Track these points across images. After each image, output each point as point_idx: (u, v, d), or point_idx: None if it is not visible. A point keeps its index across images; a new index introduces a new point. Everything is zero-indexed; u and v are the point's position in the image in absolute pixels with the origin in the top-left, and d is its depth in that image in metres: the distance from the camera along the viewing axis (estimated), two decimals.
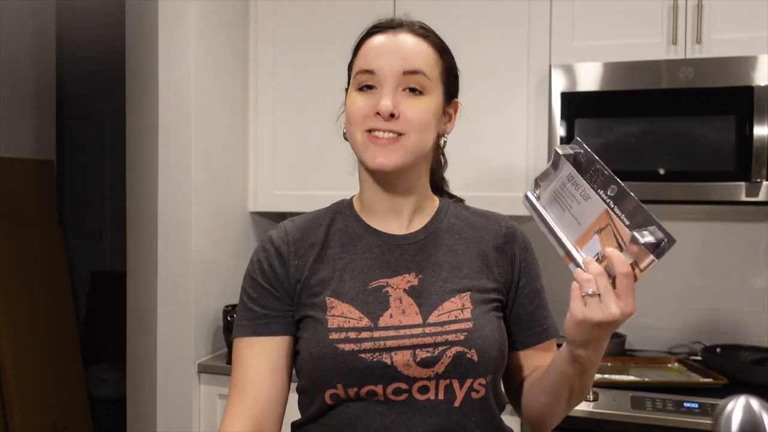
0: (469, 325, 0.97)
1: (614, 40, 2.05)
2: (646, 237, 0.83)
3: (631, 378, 1.94)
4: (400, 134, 0.97)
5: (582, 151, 0.93)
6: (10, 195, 3.20)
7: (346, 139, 1.04)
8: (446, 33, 2.24)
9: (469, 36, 2.21)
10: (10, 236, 3.14)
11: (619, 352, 2.21)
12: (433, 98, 1.00)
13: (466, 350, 0.95)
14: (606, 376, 1.96)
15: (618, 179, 0.89)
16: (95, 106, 4.99)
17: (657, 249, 0.84)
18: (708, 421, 1.65)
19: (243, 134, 2.43)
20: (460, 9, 2.21)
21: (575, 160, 0.93)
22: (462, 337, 0.96)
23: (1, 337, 2.98)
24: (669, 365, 2.11)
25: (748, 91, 1.87)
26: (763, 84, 1.86)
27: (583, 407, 1.76)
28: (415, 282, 1.00)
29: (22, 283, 3.15)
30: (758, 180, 1.85)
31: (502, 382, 1.09)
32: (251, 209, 2.47)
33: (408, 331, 0.96)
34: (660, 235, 0.85)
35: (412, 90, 0.98)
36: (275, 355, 1.02)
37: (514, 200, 2.19)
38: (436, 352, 0.95)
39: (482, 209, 1.14)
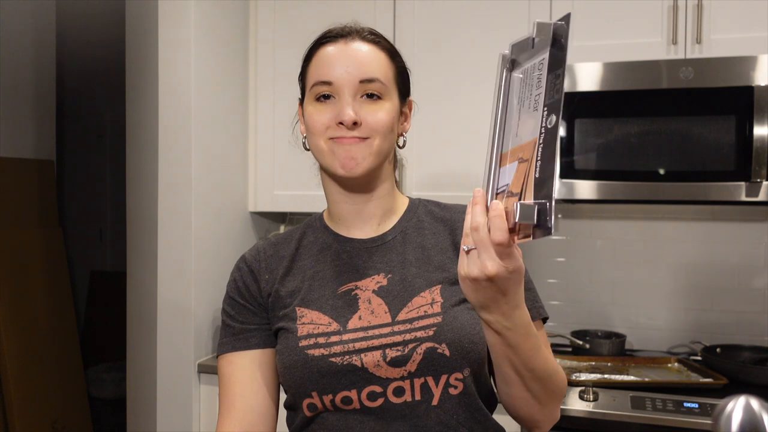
0: (438, 319, 0.95)
1: (614, 40, 2.05)
2: (528, 215, 0.70)
3: (631, 378, 1.94)
4: (363, 139, 0.97)
5: (563, 37, 0.76)
6: (10, 195, 3.20)
7: (306, 149, 1.05)
8: (446, 33, 2.25)
9: (469, 36, 2.21)
10: (10, 236, 3.14)
11: (619, 352, 2.21)
12: (391, 101, 1.01)
13: (436, 345, 0.94)
14: (606, 376, 1.96)
15: (561, 109, 0.72)
16: (95, 106, 4.99)
17: (535, 229, 0.71)
18: (708, 421, 1.65)
19: (243, 134, 2.43)
20: (459, 9, 2.21)
21: (554, 44, 0.75)
22: (431, 333, 0.94)
23: (1, 337, 2.98)
24: (669, 365, 2.11)
25: (748, 91, 1.87)
26: (763, 84, 1.86)
27: (583, 407, 1.76)
28: (384, 282, 1.00)
29: (22, 283, 3.15)
30: (758, 180, 1.85)
31: (491, 378, 1.04)
32: (251, 209, 2.47)
33: (377, 331, 0.95)
34: (544, 218, 0.71)
35: (370, 96, 0.98)
36: (258, 368, 1.02)
37: None
38: (406, 350, 0.93)
39: (453, 204, 1.12)
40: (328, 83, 0.98)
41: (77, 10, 3.74)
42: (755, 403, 0.77)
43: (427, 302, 0.97)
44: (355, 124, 0.96)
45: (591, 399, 1.78)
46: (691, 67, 1.92)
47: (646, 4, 2.03)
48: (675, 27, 1.99)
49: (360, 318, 0.97)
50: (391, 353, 0.93)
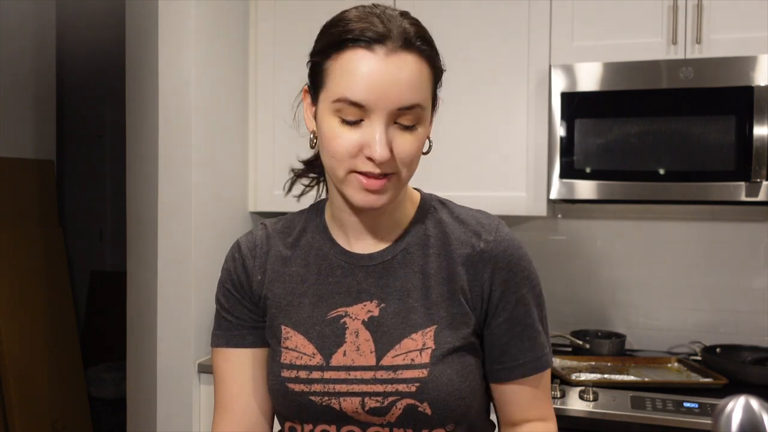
0: (423, 373, 0.87)
1: (614, 40, 2.05)
2: None
3: (631, 378, 1.94)
4: (391, 173, 0.85)
5: None
6: (10, 195, 3.20)
7: (311, 147, 0.93)
8: (446, 33, 2.25)
9: (469, 36, 2.21)
10: (10, 236, 3.14)
11: (619, 352, 2.21)
12: (425, 124, 0.88)
13: (417, 403, 0.87)
14: (606, 376, 1.96)
15: None
16: (95, 106, 4.99)
17: None
18: (708, 421, 1.65)
19: (243, 134, 2.43)
20: (459, 9, 2.21)
21: None
22: (413, 389, 0.87)
23: (1, 337, 2.98)
24: (669, 365, 2.11)
25: (748, 91, 1.87)
26: (763, 84, 1.86)
27: (583, 407, 1.76)
28: (376, 312, 0.91)
29: (22, 283, 3.15)
30: (758, 180, 1.85)
31: (485, 411, 1.01)
32: (251, 209, 2.47)
33: (359, 374, 0.89)
34: None
35: (406, 126, 0.84)
36: (255, 367, 0.98)
37: (513, 200, 2.19)
38: (385, 403, 0.88)
39: (470, 213, 0.98)
40: (358, 106, 0.81)
41: (77, 10, 3.75)
42: (755, 403, 0.77)
43: (418, 347, 0.89)
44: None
45: (591, 399, 1.78)
46: (691, 67, 1.92)
47: (646, 4, 2.03)
48: (675, 27, 1.99)
49: (344, 354, 0.90)
50: (371, 402, 0.88)
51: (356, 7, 0.87)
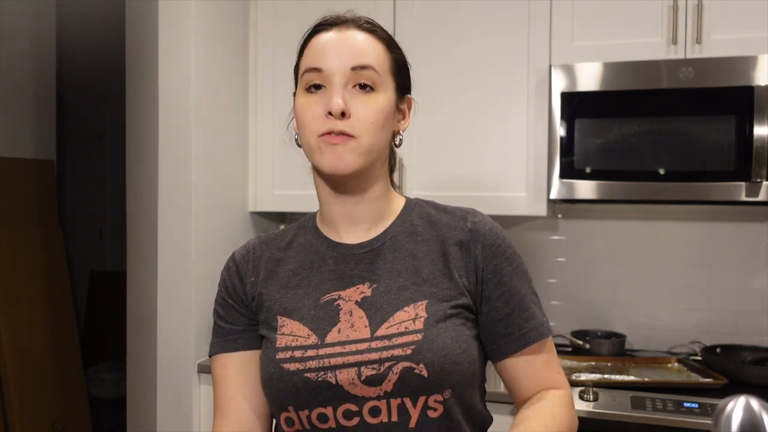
0: (418, 337, 0.89)
1: (614, 40, 2.05)
2: None
3: (631, 378, 1.94)
4: (351, 136, 0.91)
5: None
6: (10, 195, 3.20)
7: (299, 145, 0.99)
8: (446, 33, 2.25)
9: (469, 36, 2.21)
10: (10, 236, 3.14)
11: (619, 352, 2.21)
12: (386, 94, 0.94)
13: (413, 365, 0.88)
14: (606, 376, 1.96)
15: None
16: (95, 106, 4.98)
17: None
18: (708, 421, 1.65)
19: (243, 134, 2.43)
20: (460, 9, 2.21)
21: None
22: (409, 351, 0.88)
23: (1, 337, 2.98)
24: (669, 365, 2.11)
25: (748, 91, 1.87)
26: (763, 84, 1.86)
27: (583, 407, 1.76)
28: (368, 292, 0.94)
29: (22, 283, 3.15)
30: (758, 180, 1.85)
31: (482, 396, 1.00)
32: (251, 209, 2.47)
33: (354, 347, 0.90)
34: None
35: (363, 87, 0.92)
36: (249, 369, 1.00)
37: (513, 200, 2.19)
38: (381, 369, 0.88)
39: (452, 206, 1.05)
40: (318, 70, 0.93)
41: (77, 10, 3.75)
42: (755, 403, 0.77)
43: (410, 317, 0.91)
44: (343, 114, 0.90)
45: (591, 399, 1.78)
46: (691, 67, 1.92)
47: (646, 4, 2.03)
48: (675, 27, 1.99)
49: (339, 331, 0.92)
50: (366, 371, 0.88)
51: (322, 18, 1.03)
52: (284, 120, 2.66)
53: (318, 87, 0.93)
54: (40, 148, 3.43)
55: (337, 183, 0.97)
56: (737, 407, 0.76)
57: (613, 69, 1.99)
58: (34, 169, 3.36)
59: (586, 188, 2.01)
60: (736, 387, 1.86)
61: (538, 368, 0.97)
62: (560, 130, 2.03)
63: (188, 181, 2.17)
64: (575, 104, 2.02)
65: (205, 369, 2.18)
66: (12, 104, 3.23)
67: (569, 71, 2.03)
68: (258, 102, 2.43)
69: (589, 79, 2.01)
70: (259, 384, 0.98)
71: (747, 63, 1.88)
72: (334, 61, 0.92)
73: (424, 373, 0.88)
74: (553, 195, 2.05)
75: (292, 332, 0.94)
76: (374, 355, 0.89)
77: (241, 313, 1.02)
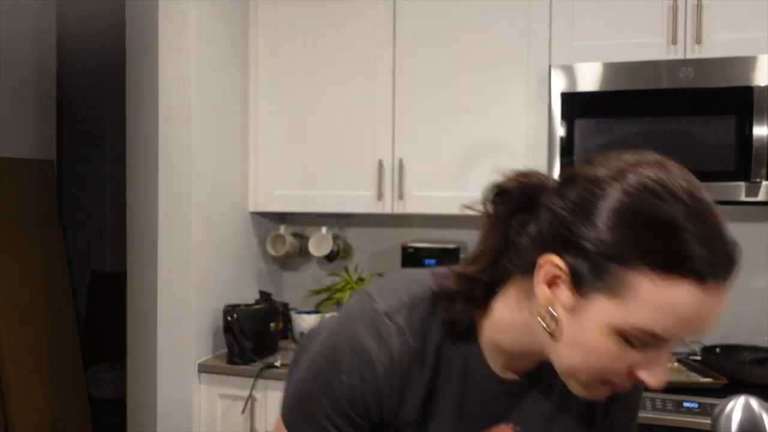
0: None
1: (614, 40, 2.05)
2: None
3: None
4: None
5: None
6: (10, 195, 3.20)
7: (546, 320, 0.71)
8: (446, 33, 2.25)
9: (469, 36, 2.21)
10: (10, 236, 3.14)
11: None
12: None
13: None
14: None
15: None
16: (95, 106, 4.98)
17: None
18: (708, 420, 1.65)
19: (243, 134, 2.43)
20: (460, 9, 2.21)
21: None
22: None
23: (1, 337, 2.98)
24: (669, 365, 2.11)
25: (748, 91, 1.87)
26: (762, 84, 1.86)
27: None
28: None
29: (22, 283, 3.15)
30: (758, 180, 1.85)
31: None
32: (251, 209, 2.47)
33: None
34: None
35: None
36: None
37: None
38: None
39: None
40: (664, 341, 0.66)
41: (77, 10, 3.75)
42: (755, 403, 0.77)
43: None
44: None
45: None
46: (691, 67, 1.92)
47: (646, 4, 2.03)
48: (675, 27, 1.99)
49: None
50: None
51: (693, 210, 0.67)
52: (284, 120, 2.65)
53: (638, 345, 0.67)
54: (40, 148, 3.43)
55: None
56: (737, 407, 0.76)
57: (613, 69, 1.99)
58: (34, 169, 3.36)
59: None
60: (735, 387, 1.86)
61: None
62: (560, 131, 2.03)
63: (188, 181, 2.17)
64: (575, 104, 2.02)
65: (204, 369, 2.18)
66: (12, 104, 3.23)
67: (569, 71, 2.03)
68: (258, 102, 2.43)
69: (589, 79, 2.01)
70: None
71: (747, 63, 1.88)
72: (690, 337, 0.67)
73: None
74: None
75: None
76: None
77: (358, 427, 0.81)
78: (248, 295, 2.45)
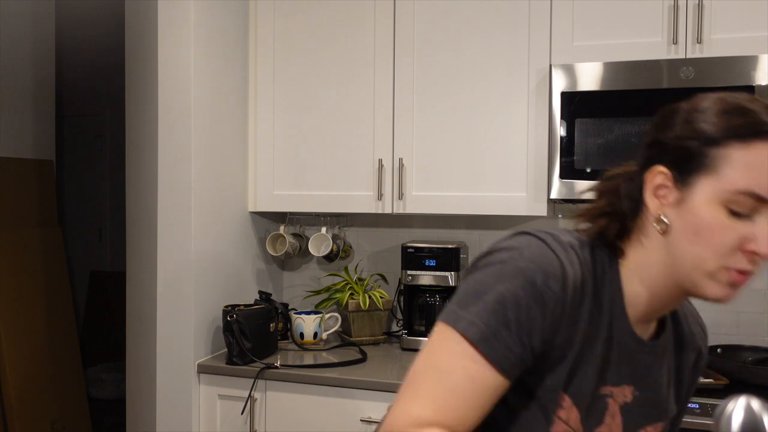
0: None
1: (614, 40, 2.05)
2: None
3: None
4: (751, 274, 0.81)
5: None
6: (9, 195, 3.20)
7: (659, 224, 0.82)
8: (446, 34, 2.25)
9: (470, 36, 2.21)
10: (10, 236, 3.14)
11: None
12: None
13: None
14: None
15: None
16: (95, 106, 4.98)
17: None
18: (709, 421, 1.65)
19: (243, 134, 2.43)
20: (460, 9, 2.21)
21: None
22: None
23: (1, 337, 2.98)
24: None
25: (749, 90, 1.87)
26: (763, 84, 1.86)
27: None
28: (630, 398, 0.89)
29: (22, 283, 3.14)
30: None
31: None
32: (251, 209, 2.47)
33: None
34: None
35: None
36: (497, 395, 0.81)
37: (514, 200, 2.19)
38: None
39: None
40: (763, 203, 0.77)
41: (77, 10, 3.75)
42: (755, 403, 0.77)
43: None
44: None
45: None
46: (692, 67, 1.92)
47: (647, 4, 2.03)
48: (675, 27, 1.99)
49: None
50: None
51: (749, 97, 0.84)
52: (284, 120, 2.65)
53: (743, 215, 0.78)
54: (40, 148, 3.42)
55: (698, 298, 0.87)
56: (738, 408, 0.76)
57: (613, 69, 1.99)
58: (33, 169, 3.36)
59: (586, 188, 2.01)
60: (736, 387, 1.86)
61: None
62: (560, 130, 2.03)
63: (188, 181, 2.17)
64: (575, 104, 2.01)
65: (204, 369, 2.17)
66: (12, 104, 3.23)
67: (569, 71, 2.03)
68: (258, 102, 2.43)
69: (590, 78, 2.01)
70: (487, 413, 0.82)
71: (747, 63, 1.88)
72: None
73: None
74: (554, 195, 2.04)
75: (568, 421, 0.85)
76: None
77: (534, 348, 0.81)
78: (248, 295, 2.44)
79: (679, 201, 0.81)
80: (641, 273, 0.86)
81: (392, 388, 1.93)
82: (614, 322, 0.86)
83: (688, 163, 0.80)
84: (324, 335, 2.47)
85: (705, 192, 0.79)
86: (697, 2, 1.97)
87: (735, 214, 0.77)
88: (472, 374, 0.79)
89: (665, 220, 0.82)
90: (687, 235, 0.80)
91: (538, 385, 0.84)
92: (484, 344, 0.78)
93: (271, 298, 2.36)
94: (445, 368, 0.80)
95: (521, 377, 0.82)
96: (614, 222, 0.87)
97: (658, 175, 0.82)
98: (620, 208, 0.88)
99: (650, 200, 0.83)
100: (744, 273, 0.79)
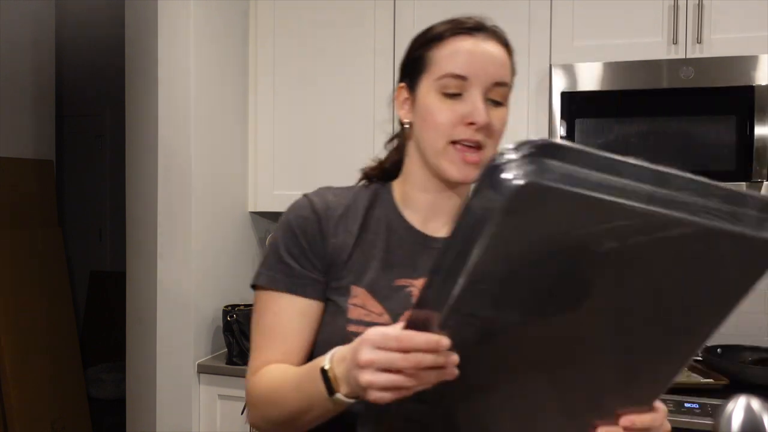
0: None
1: (614, 40, 2.05)
2: None
3: None
4: (480, 147, 0.94)
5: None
6: (9, 195, 3.20)
7: (401, 126, 1.02)
8: None
9: None
10: (10, 236, 3.14)
11: None
12: (507, 108, 0.99)
13: None
14: None
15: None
16: (95, 105, 4.98)
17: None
18: (708, 421, 1.65)
19: (243, 134, 2.43)
20: (460, 9, 2.21)
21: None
22: None
23: (1, 337, 2.98)
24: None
25: (749, 90, 1.87)
26: (763, 84, 1.86)
27: None
28: None
29: (22, 283, 3.14)
30: (758, 180, 1.85)
31: None
32: (251, 209, 2.47)
33: None
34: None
35: (494, 101, 0.96)
36: (308, 321, 0.96)
37: None
38: None
39: None
40: (462, 78, 0.93)
41: (77, 10, 3.75)
42: (756, 403, 0.77)
43: None
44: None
45: None
46: (692, 67, 1.92)
47: (647, 4, 2.03)
48: (675, 27, 1.99)
49: None
50: None
51: (443, 21, 1.02)
52: (284, 120, 2.65)
53: (455, 94, 0.94)
54: (40, 148, 3.42)
55: (450, 184, 0.99)
56: (738, 408, 0.76)
57: (613, 69, 1.99)
58: (33, 169, 3.36)
59: None
60: (736, 387, 1.86)
61: None
62: (560, 130, 2.03)
63: (188, 181, 2.17)
64: (575, 104, 2.01)
65: (204, 369, 2.17)
66: (11, 104, 3.23)
67: (569, 71, 2.03)
68: (258, 102, 2.43)
69: (590, 78, 2.01)
70: (311, 338, 0.97)
71: (747, 63, 1.88)
72: (479, 72, 0.94)
73: None
74: None
75: (364, 305, 0.95)
76: None
77: (314, 265, 0.97)
78: (248, 295, 2.44)
79: (413, 102, 0.98)
80: (410, 178, 1.01)
81: None
82: (392, 224, 1.00)
83: (413, 70, 0.99)
84: None
85: (425, 86, 0.96)
86: (697, 2, 1.97)
87: (448, 95, 0.93)
88: (275, 310, 0.97)
89: (407, 121, 1.00)
90: (420, 125, 0.96)
91: (333, 289, 0.97)
92: (271, 282, 0.97)
93: None
94: (258, 320, 0.99)
95: (329, 296, 0.97)
96: (394, 154, 1.06)
97: (400, 90, 1.01)
98: (401, 144, 1.05)
99: (399, 112, 1.02)
100: (471, 147, 0.93)
